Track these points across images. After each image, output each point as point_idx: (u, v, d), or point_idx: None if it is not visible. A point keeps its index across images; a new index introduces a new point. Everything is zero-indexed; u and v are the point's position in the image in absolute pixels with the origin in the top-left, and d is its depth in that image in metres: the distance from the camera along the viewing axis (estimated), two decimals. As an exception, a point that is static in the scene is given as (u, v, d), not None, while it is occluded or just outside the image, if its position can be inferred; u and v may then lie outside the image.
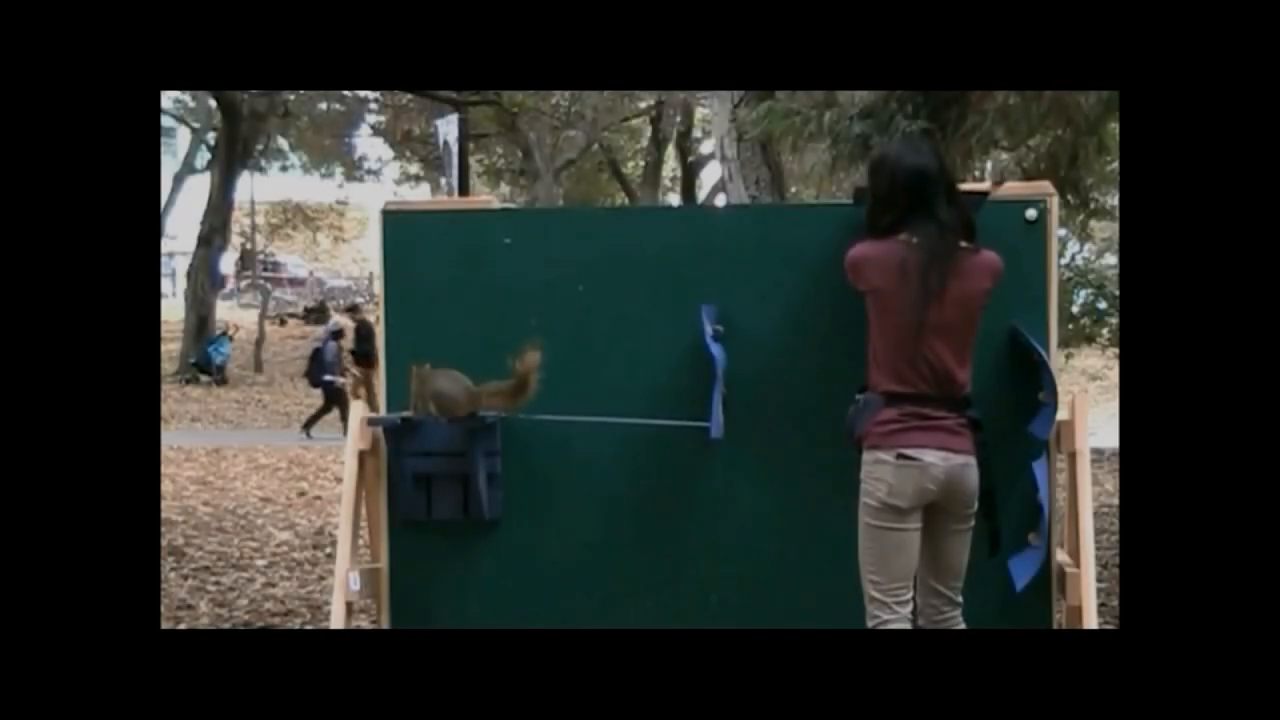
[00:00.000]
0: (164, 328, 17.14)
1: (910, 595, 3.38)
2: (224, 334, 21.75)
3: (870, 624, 3.36)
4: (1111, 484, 9.10)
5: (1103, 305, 8.57)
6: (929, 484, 3.33)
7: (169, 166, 27.39)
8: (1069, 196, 6.28)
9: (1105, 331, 8.69)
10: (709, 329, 3.77)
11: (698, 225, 4.11)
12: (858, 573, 3.41)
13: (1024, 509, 3.66)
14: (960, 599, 3.49)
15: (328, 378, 14.91)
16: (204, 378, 20.54)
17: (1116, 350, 8.49)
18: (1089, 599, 3.53)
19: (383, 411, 3.99)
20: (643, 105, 24.79)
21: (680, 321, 3.86)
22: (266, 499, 9.98)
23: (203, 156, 27.68)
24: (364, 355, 15.51)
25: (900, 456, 3.32)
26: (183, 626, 5.81)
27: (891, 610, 3.32)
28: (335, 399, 14.59)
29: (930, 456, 3.33)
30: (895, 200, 3.41)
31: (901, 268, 3.34)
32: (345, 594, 3.78)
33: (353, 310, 17.91)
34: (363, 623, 4.97)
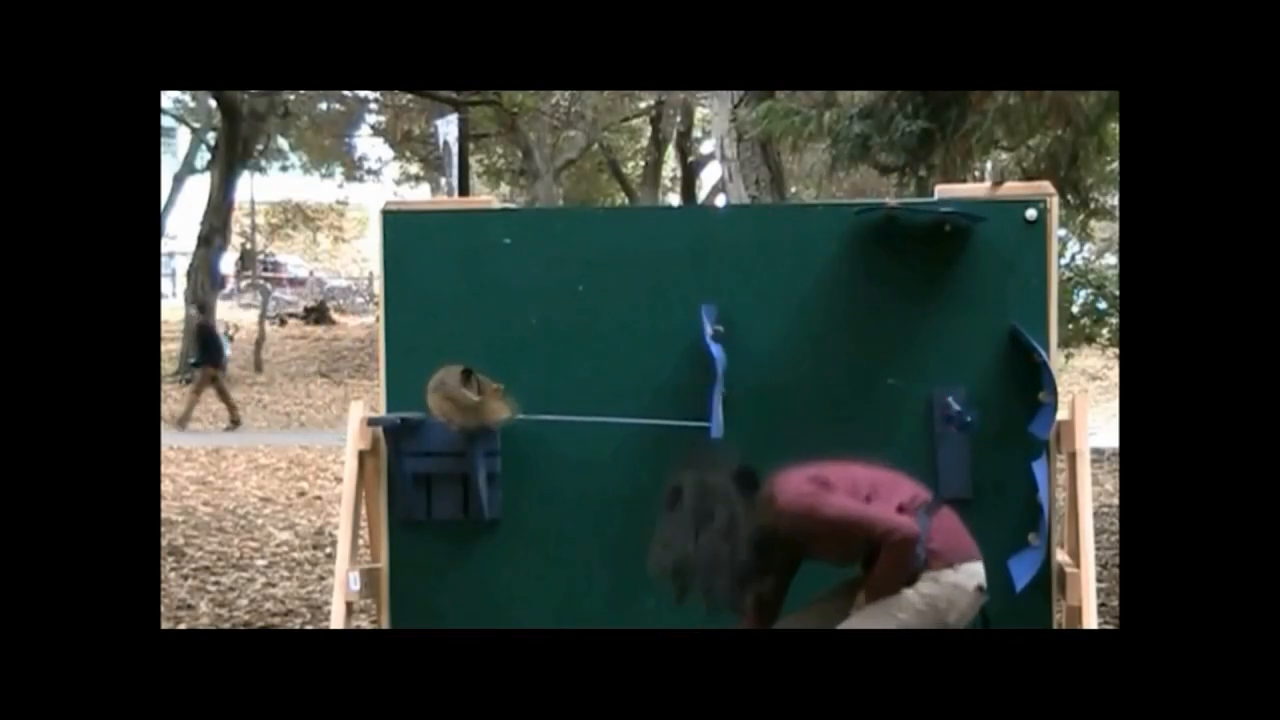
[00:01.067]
0: (164, 328, 17.12)
1: None
2: (224, 334, 21.72)
3: None
4: (1111, 484, 9.09)
5: (1103, 305, 8.58)
6: None
7: (169, 166, 27.35)
8: (1069, 196, 6.30)
9: (1105, 331, 8.70)
10: (709, 329, 3.77)
11: (698, 225, 4.11)
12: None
13: (1024, 509, 3.66)
14: None
15: None
16: (204, 378, 20.47)
17: (1116, 350, 8.49)
18: (1089, 599, 3.52)
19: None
20: (643, 105, 24.76)
21: (680, 321, 3.86)
22: (266, 499, 9.98)
23: (203, 156, 27.62)
24: (212, 363, 15.17)
25: (979, 589, 3.22)
26: (183, 626, 5.81)
27: None
28: None
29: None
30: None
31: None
32: (345, 594, 3.79)
33: (202, 310, 17.43)
34: (363, 623, 4.97)
